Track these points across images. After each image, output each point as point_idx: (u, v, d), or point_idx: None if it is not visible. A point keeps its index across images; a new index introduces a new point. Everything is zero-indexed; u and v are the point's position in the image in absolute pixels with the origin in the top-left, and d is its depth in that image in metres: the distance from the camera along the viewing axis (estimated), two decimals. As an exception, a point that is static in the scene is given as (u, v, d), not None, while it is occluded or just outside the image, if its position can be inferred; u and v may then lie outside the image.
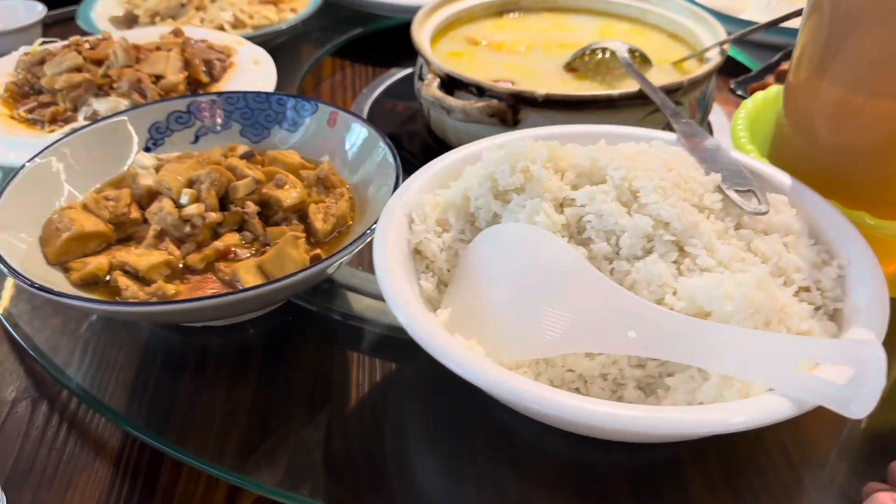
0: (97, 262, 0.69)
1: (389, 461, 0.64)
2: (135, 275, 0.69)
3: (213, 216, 0.73)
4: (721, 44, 1.08)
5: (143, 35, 1.15)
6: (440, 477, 0.64)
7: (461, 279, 0.66)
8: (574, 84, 1.10)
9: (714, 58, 1.06)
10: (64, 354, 0.74)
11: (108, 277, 0.70)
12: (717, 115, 1.22)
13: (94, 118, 0.94)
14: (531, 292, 0.60)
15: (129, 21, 1.35)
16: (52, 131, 0.93)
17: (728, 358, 0.54)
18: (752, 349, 0.54)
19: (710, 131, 1.18)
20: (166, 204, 0.73)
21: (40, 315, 0.78)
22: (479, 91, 1.00)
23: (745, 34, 1.11)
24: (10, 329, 0.77)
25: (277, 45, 1.24)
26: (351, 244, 0.67)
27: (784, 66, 1.20)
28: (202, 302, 0.61)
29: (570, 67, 1.13)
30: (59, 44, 1.09)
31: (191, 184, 0.76)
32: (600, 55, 1.13)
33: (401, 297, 0.60)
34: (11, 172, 0.75)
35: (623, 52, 1.09)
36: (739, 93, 1.12)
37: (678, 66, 1.13)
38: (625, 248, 0.62)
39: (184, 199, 0.74)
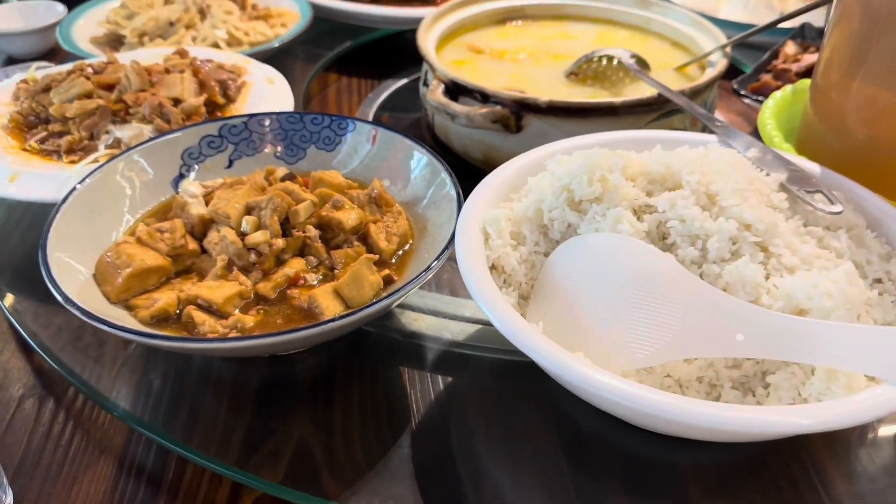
0: (167, 298, 0.66)
1: (462, 471, 0.64)
2: (208, 308, 0.66)
3: (279, 243, 0.71)
4: (723, 47, 1.11)
5: (143, 56, 1.11)
6: (511, 484, 0.64)
7: (547, 292, 0.66)
8: (576, 90, 1.11)
9: (718, 61, 1.09)
10: (70, 352, 0.73)
11: (176, 312, 0.67)
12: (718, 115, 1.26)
13: (116, 146, 0.90)
14: (631, 302, 0.61)
15: (114, 41, 1.30)
16: (73, 162, 0.88)
17: (835, 352, 0.56)
18: (857, 342, 0.56)
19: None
20: (228, 233, 0.71)
21: (46, 312, 0.78)
22: (483, 97, 1.00)
23: (747, 36, 1.15)
24: (17, 326, 0.77)
25: (269, 60, 1.22)
26: (433, 263, 0.66)
27: (776, 63, 1.24)
28: (294, 335, 0.59)
29: (572, 74, 1.15)
30: (61, 69, 1.04)
31: (249, 210, 0.73)
32: (603, 62, 1.15)
33: (504, 313, 0.59)
34: (50, 209, 0.71)
35: (628, 59, 1.11)
36: (743, 93, 1.15)
37: (681, 71, 1.16)
38: (712, 251, 0.63)
39: (245, 227, 0.71)
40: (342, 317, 0.61)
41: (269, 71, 1.07)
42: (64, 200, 0.72)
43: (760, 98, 1.14)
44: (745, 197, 0.65)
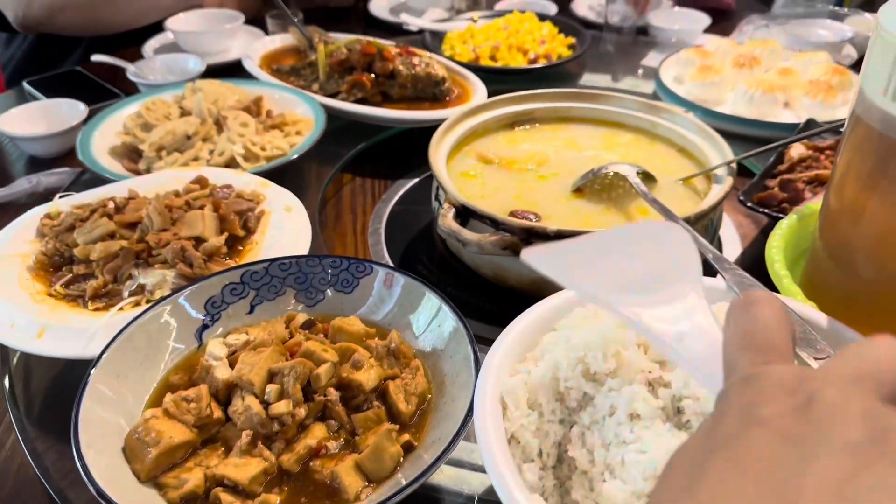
0: (196, 480, 0.68)
1: None
2: (234, 488, 0.68)
3: (302, 412, 0.73)
4: (729, 163, 1.13)
5: (161, 180, 1.14)
6: None
7: None
8: (583, 206, 1.14)
9: (724, 178, 1.11)
10: None
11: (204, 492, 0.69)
12: (725, 226, 1.28)
13: (139, 292, 0.92)
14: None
15: (131, 153, 1.33)
16: (97, 309, 0.91)
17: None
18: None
19: (720, 247, 1.23)
20: (253, 403, 0.73)
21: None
22: (494, 223, 1.03)
23: (754, 154, 1.18)
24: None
25: (286, 167, 1.25)
26: (451, 443, 0.67)
27: (781, 168, 1.26)
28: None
29: (577, 190, 1.17)
30: (83, 199, 1.07)
31: (272, 377, 0.75)
32: (609, 175, 1.17)
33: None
34: (81, 374, 0.74)
35: (634, 177, 1.13)
36: (749, 205, 1.17)
37: (687, 183, 1.18)
38: (726, 431, 0.64)
39: (268, 395, 0.73)
40: None
41: (288, 198, 1.10)
42: (88, 375, 0.74)
43: (766, 210, 1.15)
44: (757, 373, 0.67)
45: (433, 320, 0.85)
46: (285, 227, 1.04)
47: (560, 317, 0.80)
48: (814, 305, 0.81)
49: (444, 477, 0.81)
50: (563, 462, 0.72)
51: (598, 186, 1.18)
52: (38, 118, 1.50)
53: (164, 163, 1.28)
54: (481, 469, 0.81)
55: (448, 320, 0.83)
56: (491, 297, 1.11)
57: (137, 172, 1.28)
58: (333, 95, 1.54)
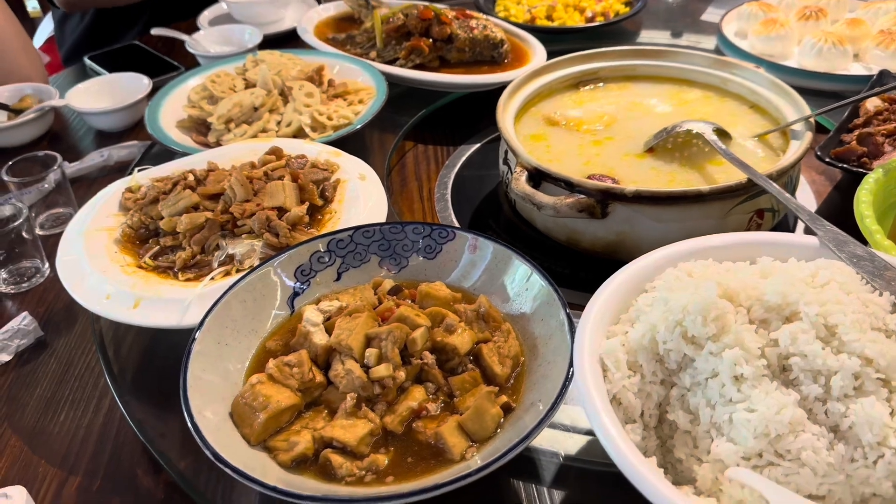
0: (305, 442, 0.70)
1: None
2: (342, 449, 0.70)
3: (402, 375, 0.74)
4: (807, 118, 1.10)
5: (235, 152, 1.15)
6: None
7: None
8: (656, 166, 1.12)
9: (803, 133, 1.09)
10: None
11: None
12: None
13: (228, 262, 0.94)
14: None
15: (199, 126, 1.35)
16: (189, 280, 0.93)
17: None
18: None
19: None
20: (354, 367, 0.74)
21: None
22: (569, 185, 1.02)
23: (832, 109, 1.14)
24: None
25: (351, 137, 1.26)
26: (554, 403, 0.68)
27: (857, 122, 1.23)
28: (436, 491, 0.62)
29: (650, 149, 1.15)
30: (162, 171, 1.09)
31: (369, 341, 0.76)
32: (682, 135, 1.15)
33: (639, 469, 0.61)
34: (184, 342, 0.76)
35: (711, 134, 1.11)
36: (827, 160, 1.14)
37: (762, 140, 1.16)
38: (836, 389, 0.64)
39: (368, 360, 0.75)
40: (481, 468, 0.63)
41: (361, 166, 1.10)
42: (192, 341, 0.76)
43: (844, 165, 1.13)
44: (864, 329, 0.66)
45: (522, 285, 0.85)
46: (361, 196, 1.04)
47: (651, 277, 0.80)
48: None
49: (539, 437, 0.82)
50: (663, 423, 0.72)
51: (669, 145, 1.16)
52: (103, 93, 1.53)
53: (232, 135, 1.29)
54: (572, 429, 0.82)
55: (538, 285, 0.83)
56: (562, 260, 1.10)
57: (207, 145, 1.30)
58: (391, 62, 1.54)
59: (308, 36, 1.65)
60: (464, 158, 1.39)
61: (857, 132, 1.20)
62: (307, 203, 1.00)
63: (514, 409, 0.74)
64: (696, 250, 0.82)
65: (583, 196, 1.00)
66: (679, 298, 0.71)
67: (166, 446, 0.83)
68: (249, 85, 1.38)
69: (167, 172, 1.11)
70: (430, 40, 1.53)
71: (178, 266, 0.95)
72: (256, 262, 0.93)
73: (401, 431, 0.73)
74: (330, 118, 1.29)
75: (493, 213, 1.25)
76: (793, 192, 1.12)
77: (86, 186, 1.36)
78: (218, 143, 1.29)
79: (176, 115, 1.39)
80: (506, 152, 1.16)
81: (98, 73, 1.70)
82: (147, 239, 1.01)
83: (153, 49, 1.80)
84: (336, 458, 0.69)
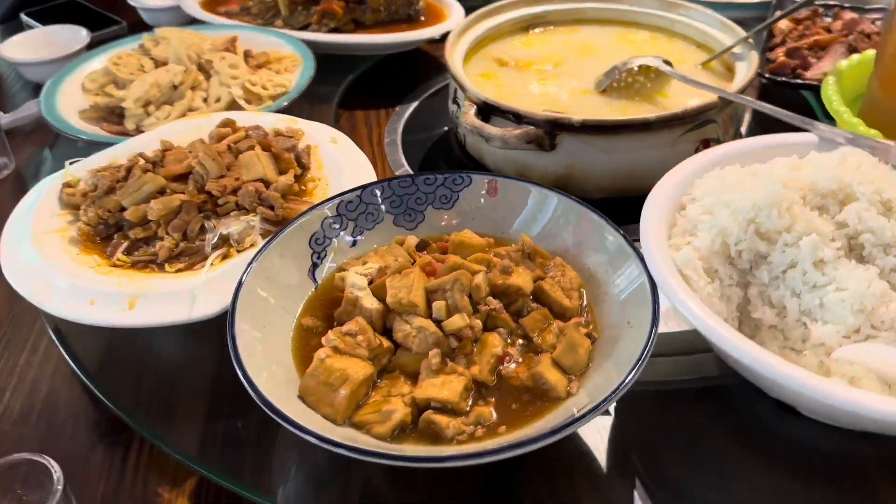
0: (401, 409, 0.63)
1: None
2: (442, 409, 0.64)
3: (478, 324, 0.69)
4: (745, 39, 1.14)
5: (172, 132, 1.03)
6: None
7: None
8: (604, 101, 1.12)
9: (747, 54, 1.13)
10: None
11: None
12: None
13: (221, 245, 0.83)
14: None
15: (110, 113, 1.19)
16: (178, 270, 0.81)
17: None
18: None
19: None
20: (426, 324, 0.68)
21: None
22: (517, 118, 1.00)
23: (765, 26, 1.20)
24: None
25: (288, 109, 1.16)
26: (651, 328, 0.65)
27: (775, 41, 1.31)
28: (577, 424, 0.58)
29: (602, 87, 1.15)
30: (99, 159, 0.95)
31: (429, 295, 0.70)
32: (632, 70, 1.16)
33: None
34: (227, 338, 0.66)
35: (663, 65, 1.13)
36: (768, 76, 1.21)
37: (706, 67, 1.20)
38: (909, 257, 0.67)
39: (436, 314, 0.69)
40: (593, 409, 0.59)
41: (328, 130, 1.02)
42: (232, 325, 0.66)
43: (783, 78, 1.20)
44: (917, 200, 0.70)
45: (554, 216, 0.82)
46: (341, 159, 0.96)
47: (688, 186, 0.80)
48: (878, 133, 0.86)
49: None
50: (743, 324, 0.73)
51: (615, 84, 1.16)
52: (39, 45, 1.46)
53: (154, 118, 1.15)
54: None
55: (573, 212, 0.80)
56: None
57: (125, 134, 1.14)
58: (303, 29, 1.44)
59: (195, 10, 1.50)
60: (408, 113, 1.33)
61: (779, 50, 1.27)
62: (291, 171, 0.91)
63: (597, 339, 0.71)
64: (702, 166, 0.83)
65: (531, 127, 0.98)
66: (745, 198, 0.72)
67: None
68: (160, 63, 1.24)
69: (105, 162, 0.97)
70: (343, 2, 1.45)
71: (163, 257, 0.82)
72: (258, 239, 0.83)
73: (492, 381, 0.67)
74: (265, 87, 1.18)
75: (443, 156, 1.22)
76: (741, 117, 1.17)
77: (21, 138, 1.28)
78: (138, 130, 1.14)
79: (75, 105, 1.21)
80: (455, 91, 1.12)
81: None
82: (110, 235, 0.87)
83: (92, 5, 1.73)
84: (441, 419, 0.63)
